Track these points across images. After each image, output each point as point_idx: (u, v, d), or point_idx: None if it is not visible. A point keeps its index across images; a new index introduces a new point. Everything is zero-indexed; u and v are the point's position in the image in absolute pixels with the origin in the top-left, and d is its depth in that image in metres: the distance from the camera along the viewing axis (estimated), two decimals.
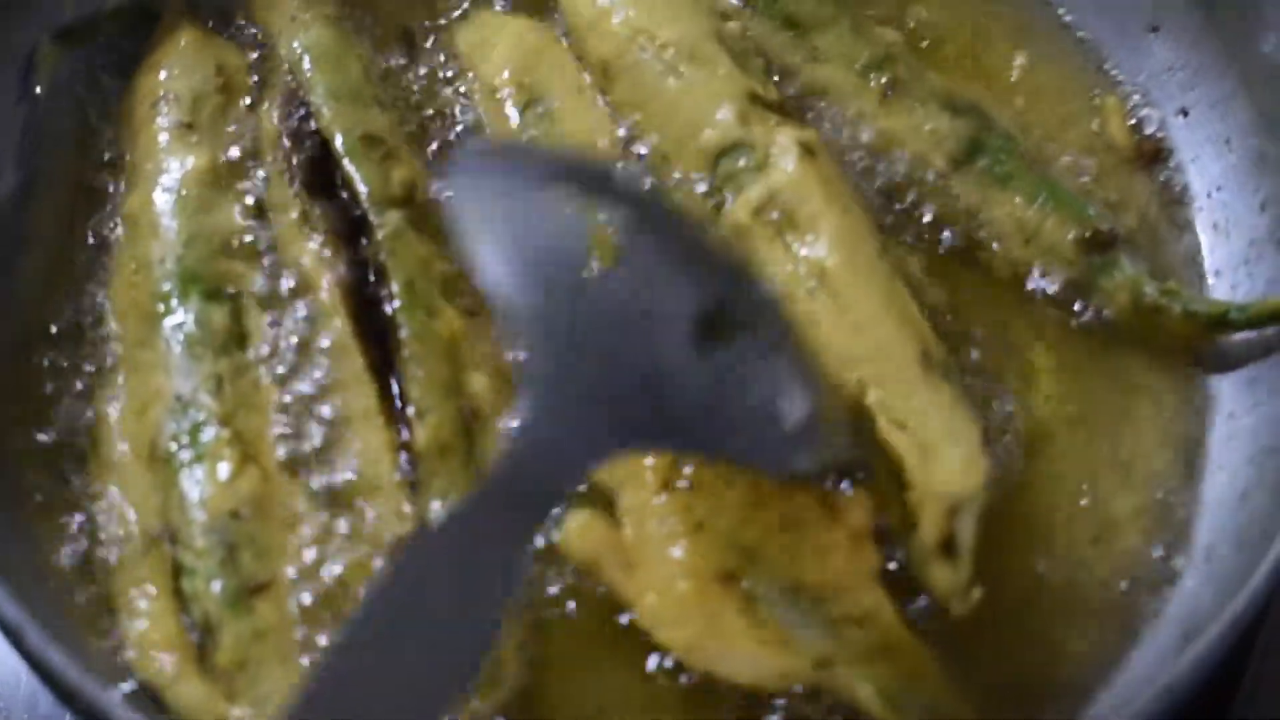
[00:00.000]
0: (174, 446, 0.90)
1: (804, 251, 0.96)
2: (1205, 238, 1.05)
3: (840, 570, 0.87)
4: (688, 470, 0.89)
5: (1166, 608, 0.92)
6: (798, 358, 0.90)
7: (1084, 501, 0.96)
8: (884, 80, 1.05)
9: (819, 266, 0.95)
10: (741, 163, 0.99)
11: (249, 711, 0.84)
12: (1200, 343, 0.99)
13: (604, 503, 0.90)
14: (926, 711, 0.84)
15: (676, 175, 1.01)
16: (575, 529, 0.89)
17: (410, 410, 0.91)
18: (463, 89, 1.06)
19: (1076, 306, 1.01)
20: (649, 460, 0.89)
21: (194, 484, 0.89)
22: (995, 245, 1.01)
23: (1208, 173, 1.06)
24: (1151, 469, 0.97)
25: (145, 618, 0.87)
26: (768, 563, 0.87)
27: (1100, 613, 0.92)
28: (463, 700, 0.82)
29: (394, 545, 0.88)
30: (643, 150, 1.03)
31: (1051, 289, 1.01)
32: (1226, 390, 0.99)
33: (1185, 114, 1.08)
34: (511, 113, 1.04)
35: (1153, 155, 1.07)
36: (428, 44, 1.09)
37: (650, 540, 0.88)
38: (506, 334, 0.90)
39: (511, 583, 0.74)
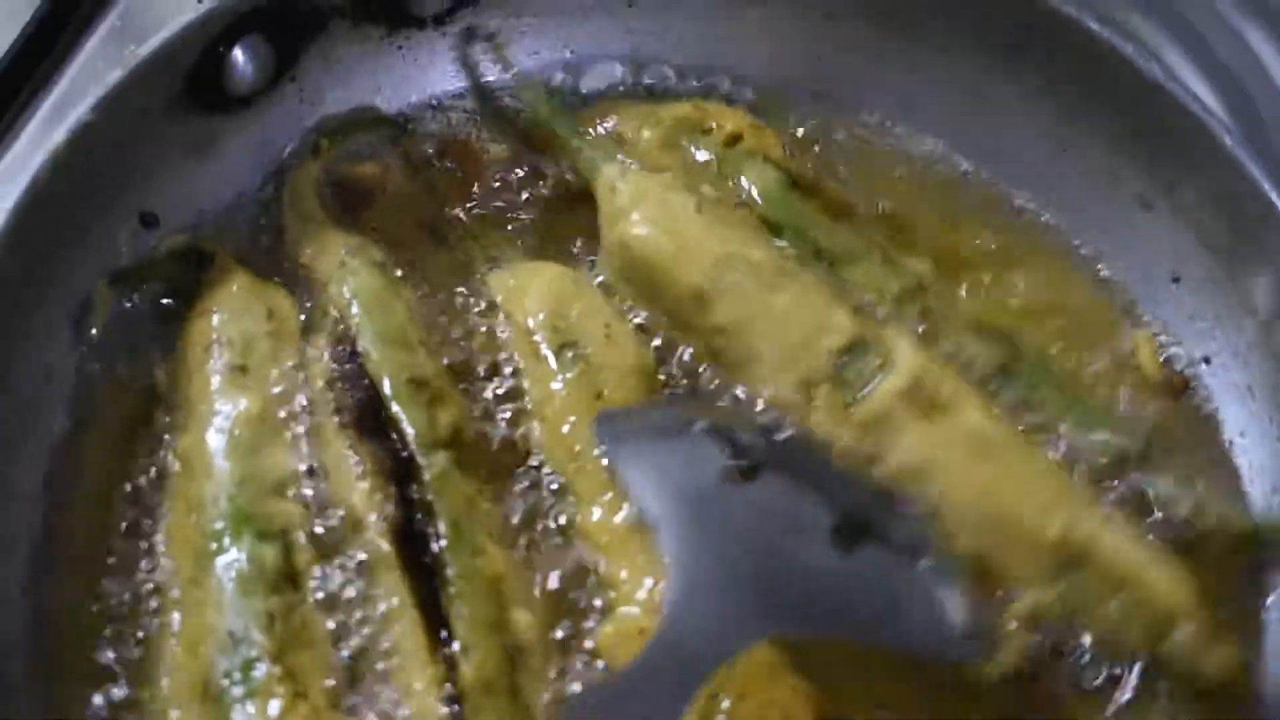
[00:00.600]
0: (226, 683, 0.91)
1: (957, 423, 1.01)
2: (1239, 463, 1.08)
3: None
4: (721, 703, 0.91)
5: None
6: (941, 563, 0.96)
7: None
8: (917, 312, 1.08)
9: (980, 433, 1.00)
10: (869, 358, 1.03)
11: None
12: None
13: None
14: None
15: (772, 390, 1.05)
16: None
17: (456, 647, 0.92)
18: (501, 333, 1.08)
19: None
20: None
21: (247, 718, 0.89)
22: None
23: (1233, 418, 1.09)
24: None
25: None
26: None
27: None
28: None
29: None
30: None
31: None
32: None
33: (1208, 361, 1.11)
34: (547, 354, 1.05)
35: (1182, 388, 1.11)
36: (464, 292, 1.11)
37: None
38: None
39: None
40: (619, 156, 1.14)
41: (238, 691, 0.90)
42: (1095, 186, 1.16)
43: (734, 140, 1.17)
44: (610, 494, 1.00)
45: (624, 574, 0.97)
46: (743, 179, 1.15)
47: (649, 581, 0.96)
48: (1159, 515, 1.03)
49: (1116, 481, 1.04)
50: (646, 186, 1.11)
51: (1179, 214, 1.12)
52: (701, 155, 1.17)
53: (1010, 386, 1.06)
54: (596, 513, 0.99)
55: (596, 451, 1.01)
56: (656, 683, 0.83)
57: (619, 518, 0.99)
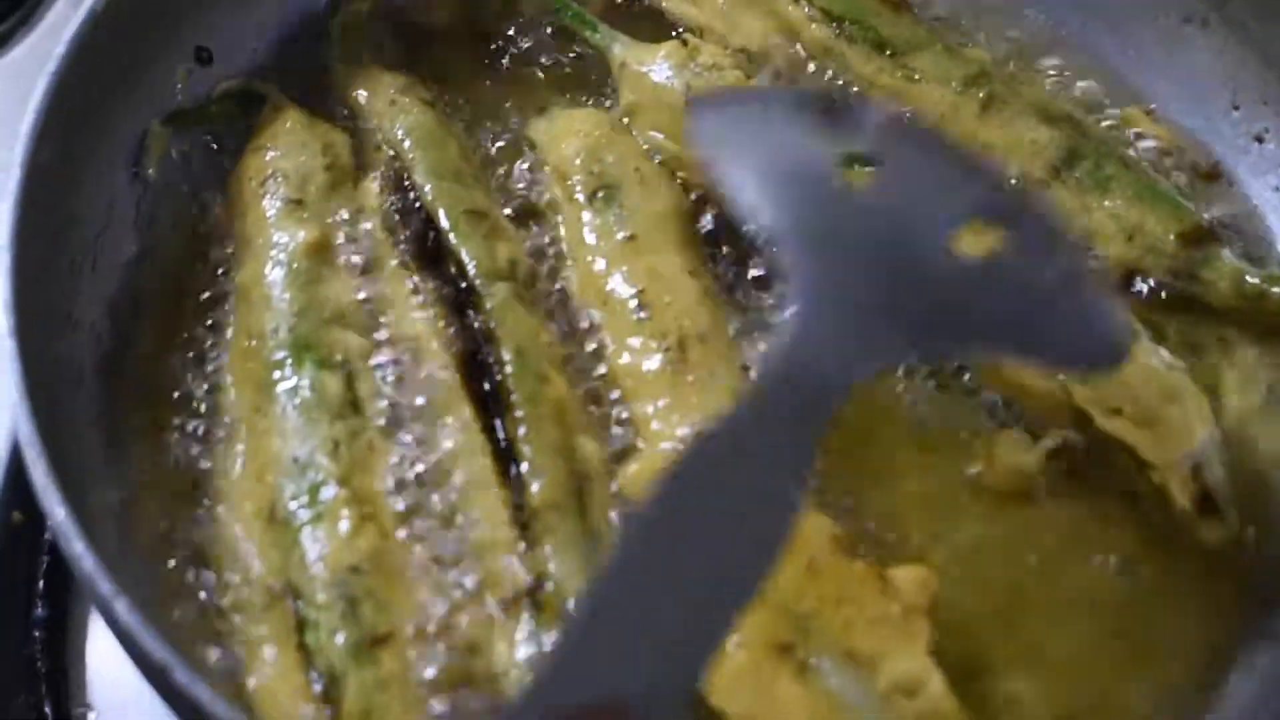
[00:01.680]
0: (293, 507, 0.92)
1: None
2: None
3: (893, 640, 0.88)
4: None
5: None
6: (1071, 258, 0.89)
7: None
8: (981, 96, 1.09)
9: None
10: None
11: None
12: None
13: None
14: None
15: None
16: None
17: (524, 469, 0.93)
18: (540, 178, 1.10)
19: None
20: None
21: (314, 542, 0.90)
22: (1098, 247, 1.05)
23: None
24: None
25: (270, 670, 0.88)
26: (822, 633, 0.87)
27: None
28: None
29: (509, 599, 0.88)
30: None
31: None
32: None
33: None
34: (581, 197, 1.06)
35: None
36: (507, 136, 1.12)
37: None
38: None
39: (796, 490, 0.74)
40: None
41: (305, 515, 0.91)
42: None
43: None
44: (640, 337, 1.00)
45: (652, 417, 0.97)
46: None
47: (676, 422, 0.96)
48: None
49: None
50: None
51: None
52: None
53: (1078, 166, 1.07)
54: (626, 356, 0.99)
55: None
56: (785, 410, 0.75)
57: (648, 362, 0.99)
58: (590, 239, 1.05)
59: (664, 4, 1.20)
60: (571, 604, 0.88)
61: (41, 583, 1.06)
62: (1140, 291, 1.05)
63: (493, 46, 1.19)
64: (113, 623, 0.81)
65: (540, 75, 1.18)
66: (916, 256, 0.85)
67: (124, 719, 1.04)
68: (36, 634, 1.04)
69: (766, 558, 0.71)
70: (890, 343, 0.82)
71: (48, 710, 1.03)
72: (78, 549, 0.81)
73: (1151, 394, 0.94)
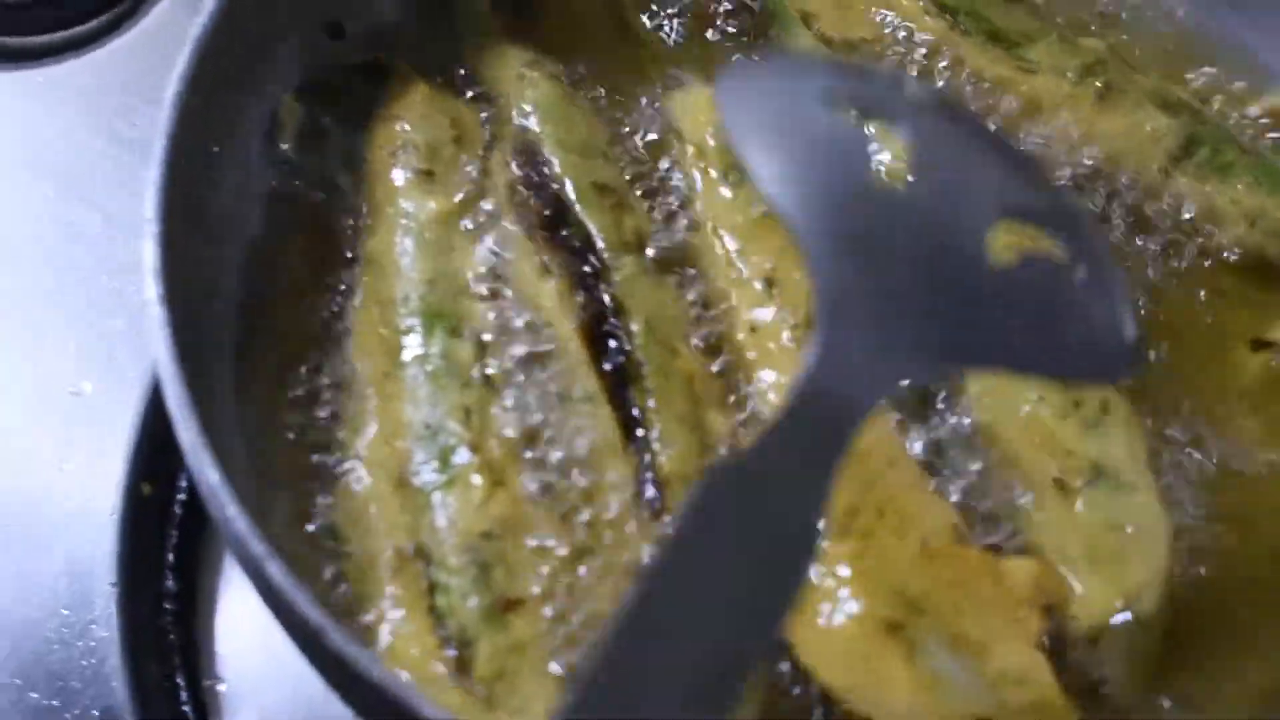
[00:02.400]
0: (424, 472, 0.94)
1: None
2: None
3: (1003, 629, 0.88)
4: (863, 520, 0.91)
5: None
6: (1104, 270, 0.87)
7: None
8: (1098, 85, 1.10)
9: None
10: None
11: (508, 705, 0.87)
12: None
13: None
14: None
15: None
16: None
17: (655, 438, 0.95)
18: (672, 153, 1.11)
19: None
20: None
21: (445, 507, 0.92)
22: (1217, 234, 1.06)
23: None
24: None
25: (402, 633, 0.90)
26: (933, 615, 0.88)
27: None
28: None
29: (640, 568, 0.90)
30: None
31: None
32: None
33: None
34: (715, 174, 1.08)
35: None
36: (641, 110, 1.13)
37: (820, 583, 0.90)
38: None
39: (817, 516, 0.71)
40: None
41: (437, 480, 0.93)
42: None
43: None
44: (768, 312, 1.01)
45: (778, 391, 0.98)
46: None
47: None
48: None
49: None
50: None
51: None
52: None
53: (1197, 153, 1.08)
54: (753, 331, 1.01)
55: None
56: (805, 439, 0.73)
57: (776, 338, 1.00)
58: (722, 214, 1.06)
59: None
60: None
61: (171, 555, 1.09)
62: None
63: (627, 21, 1.20)
64: (264, 586, 0.82)
65: (676, 51, 1.19)
66: (948, 261, 0.83)
67: (255, 691, 1.06)
68: (167, 606, 1.07)
69: (785, 591, 0.70)
70: (915, 357, 0.80)
71: (180, 681, 1.06)
72: (230, 511, 0.82)
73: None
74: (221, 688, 1.06)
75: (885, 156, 0.92)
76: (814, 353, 0.77)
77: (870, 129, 0.90)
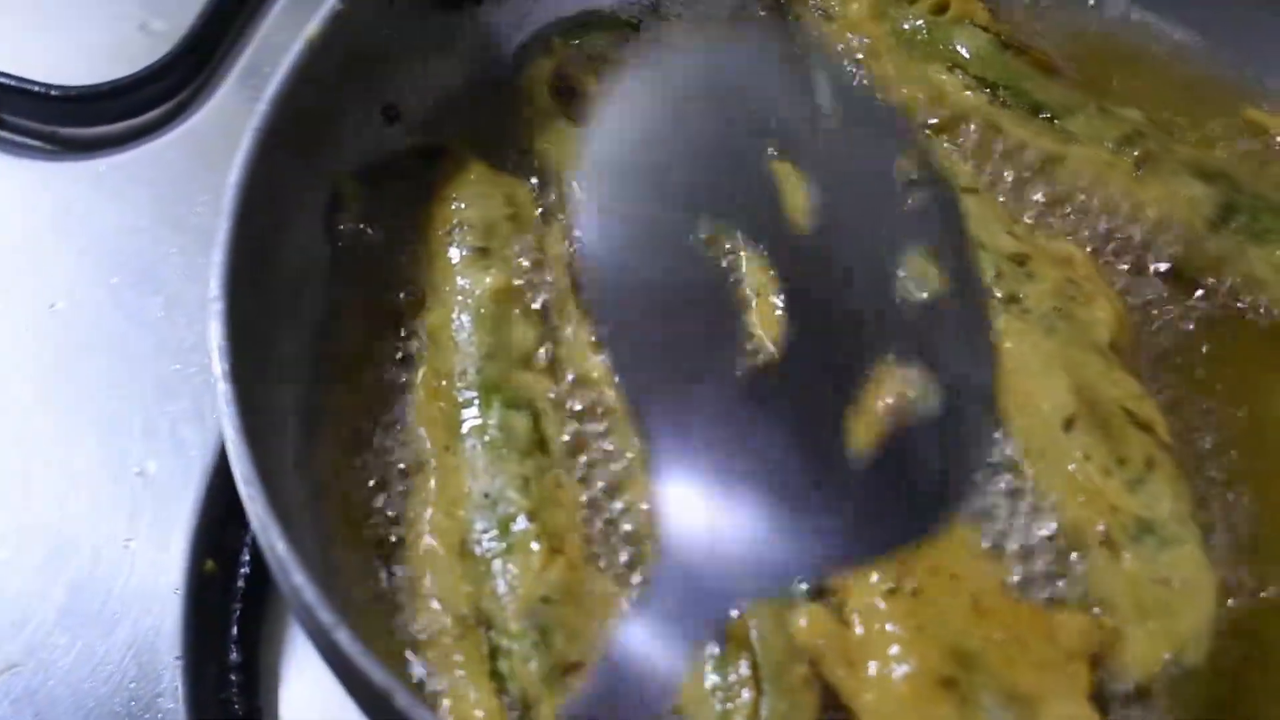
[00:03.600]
0: (484, 540, 0.97)
1: None
2: None
3: (1054, 682, 0.90)
4: (913, 579, 0.93)
5: None
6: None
7: None
8: (1136, 154, 1.12)
9: None
10: None
11: None
12: None
13: (834, 601, 0.93)
14: None
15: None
16: (806, 621, 0.92)
17: None
18: None
19: None
20: (875, 567, 0.93)
21: (506, 574, 0.95)
22: (1259, 298, 1.07)
23: None
24: None
25: (466, 697, 0.92)
26: (986, 670, 0.89)
27: None
28: None
29: None
30: None
31: None
32: None
33: None
34: None
35: None
36: None
37: (874, 640, 0.91)
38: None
39: None
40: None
41: (496, 547, 0.96)
42: None
43: (941, 9, 1.23)
44: None
45: None
46: (954, 43, 1.19)
47: None
48: None
49: None
50: None
51: None
52: (909, 24, 1.22)
53: (1234, 219, 1.09)
54: None
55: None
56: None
57: None
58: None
59: None
60: None
61: (235, 629, 1.11)
62: None
63: None
64: (332, 653, 0.84)
65: None
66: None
67: None
68: (232, 678, 1.09)
69: None
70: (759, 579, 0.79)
71: None
72: (298, 580, 0.84)
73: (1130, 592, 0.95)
74: None
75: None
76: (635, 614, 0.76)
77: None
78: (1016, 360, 1.01)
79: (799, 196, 0.89)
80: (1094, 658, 0.92)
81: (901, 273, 0.78)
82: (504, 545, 0.95)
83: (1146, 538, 0.94)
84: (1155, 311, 1.07)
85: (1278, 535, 0.98)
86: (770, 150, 0.89)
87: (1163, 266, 1.09)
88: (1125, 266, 1.09)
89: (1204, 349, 1.06)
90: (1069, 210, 1.12)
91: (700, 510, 0.72)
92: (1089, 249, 1.10)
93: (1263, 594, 0.96)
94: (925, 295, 0.74)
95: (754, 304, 0.76)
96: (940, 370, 0.77)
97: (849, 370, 0.75)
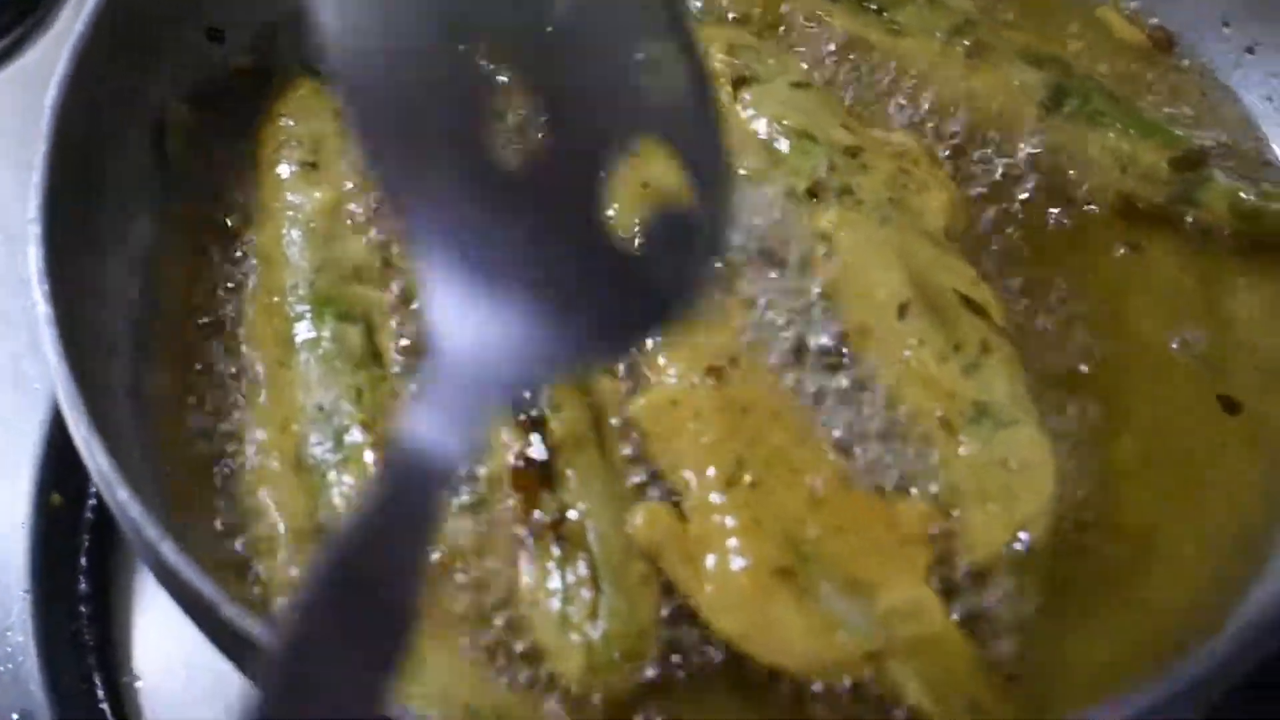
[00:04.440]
0: (319, 452, 0.96)
1: None
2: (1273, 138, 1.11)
3: (892, 568, 0.90)
4: (750, 471, 0.92)
5: None
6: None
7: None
8: (967, 44, 1.12)
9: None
10: None
11: (415, 689, 0.88)
12: None
13: (670, 497, 0.94)
14: (970, 707, 0.87)
15: None
16: (643, 519, 0.92)
17: (543, 405, 0.96)
18: None
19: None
20: (713, 460, 0.93)
21: (341, 485, 0.94)
22: (1090, 181, 1.08)
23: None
24: None
25: None
26: (823, 559, 0.90)
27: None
28: None
29: (536, 530, 0.92)
30: None
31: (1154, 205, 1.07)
32: None
33: None
34: None
35: (1165, 43, 1.15)
36: None
37: (711, 534, 0.91)
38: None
39: (411, 594, 0.67)
40: None
41: (332, 459, 0.95)
42: None
43: None
44: None
45: (659, 353, 0.99)
46: None
47: (683, 356, 0.98)
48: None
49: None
50: None
51: None
52: None
53: (1066, 103, 1.10)
54: None
55: None
56: (396, 504, 0.67)
57: None
58: None
59: None
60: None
61: (84, 560, 1.10)
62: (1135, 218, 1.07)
63: None
64: (159, 566, 0.83)
65: None
66: (566, 245, 0.74)
67: (171, 685, 1.08)
68: (82, 609, 1.09)
69: (383, 672, 0.65)
70: (521, 377, 0.72)
71: (97, 681, 1.08)
72: (122, 496, 0.84)
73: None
74: (139, 684, 1.07)
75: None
76: (408, 409, 0.70)
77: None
78: (851, 251, 1.01)
79: None
80: (934, 542, 0.92)
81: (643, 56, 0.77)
82: (339, 457, 0.95)
83: (983, 421, 0.94)
84: (990, 198, 1.07)
85: (1117, 416, 0.98)
86: None
87: (996, 153, 1.08)
88: (959, 155, 1.09)
89: (1039, 233, 1.06)
90: (902, 101, 1.11)
91: (466, 311, 0.70)
92: (923, 139, 1.09)
93: (1102, 474, 0.96)
94: (679, 81, 0.73)
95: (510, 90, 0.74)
96: (688, 154, 0.76)
97: (607, 159, 0.74)
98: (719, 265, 0.79)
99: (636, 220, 0.74)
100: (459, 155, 0.74)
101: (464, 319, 0.70)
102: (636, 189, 0.79)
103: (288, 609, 0.65)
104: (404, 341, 1.00)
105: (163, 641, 1.08)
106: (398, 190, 0.72)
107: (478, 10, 0.76)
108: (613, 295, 0.74)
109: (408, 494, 0.67)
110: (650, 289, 0.74)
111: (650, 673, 0.89)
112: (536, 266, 0.72)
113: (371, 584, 0.66)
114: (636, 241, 0.73)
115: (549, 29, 0.76)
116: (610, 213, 0.72)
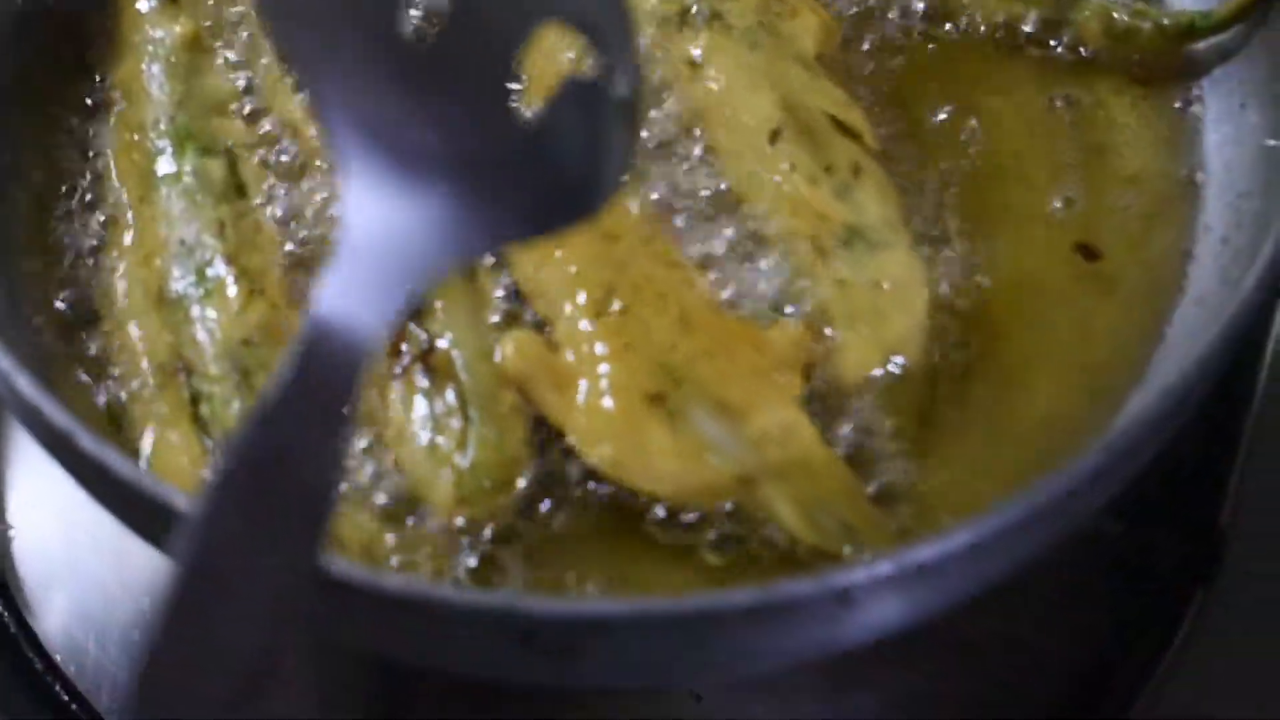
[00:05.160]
0: (182, 287, 0.94)
1: None
2: None
3: (764, 391, 0.90)
4: (619, 298, 0.92)
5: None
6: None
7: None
8: None
9: None
10: None
11: None
12: (1173, 60, 1.04)
13: (540, 325, 0.93)
14: (845, 529, 0.87)
15: None
16: (512, 348, 0.91)
17: None
18: None
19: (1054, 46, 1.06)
20: (582, 287, 0.92)
21: (205, 319, 0.93)
22: (967, 5, 1.06)
23: None
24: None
25: (169, 442, 0.91)
26: (693, 384, 0.89)
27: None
28: None
29: (404, 361, 0.91)
30: None
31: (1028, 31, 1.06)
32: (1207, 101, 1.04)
33: None
34: None
35: None
36: None
37: (582, 362, 0.90)
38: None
39: (333, 472, 0.68)
40: None
41: (194, 293, 0.94)
42: None
43: None
44: None
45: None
46: None
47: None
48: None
49: None
50: None
51: None
52: None
53: None
54: None
55: None
56: (315, 379, 0.67)
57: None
58: None
59: None
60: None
61: None
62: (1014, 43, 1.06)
63: None
64: (16, 399, 0.82)
65: None
66: (478, 119, 0.75)
67: (43, 536, 1.07)
68: None
69: (310, 550, 0.65)
70: (435, 258, 0.73)
71: None
72: None
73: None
74: (11, 532, 1.05)
75: None
76: (322, 282, 0.70)
77: None
78: (720, 78, 0.99)
79: None
80: (808, 366, 0.91)
81: None
82: (202, 291, 0.93)
83: (856, 243, 0.94)
84: (864, 23, 1.06)
85: (990, 244, 0.98)
86: None
87: None
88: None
89: (913, 56, 1.05)
90: None
91: (382, 191, 0.69)
92: None
93: (982, 294, 0.96)
94: None
95: None
96: (595, 29, 0.75)
97: (515, 36, 0.73)
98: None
99: (547, 98, 0.73)
100: (370, 35, 0.74)
101: (379, 198, 0.72)
102: (546, 67, 0.76)
103: (205, 486, 0.65)
104: (266, 184, 0.98)
105: (35, 495, 1.06)
106: (310, 71, 0.73)
107: None
108: (529, 176, 0.75)
109: (323, 369, 0.67)
110: (565, 170, 0.75)
111: (523, 503, 0.88)
112: (451, 146, 0.73)
113: (290, 461, 0.66)
114: (549, 121, 0.74)
115: None
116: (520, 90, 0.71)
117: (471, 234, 0.73)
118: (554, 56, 0.86)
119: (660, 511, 0.88)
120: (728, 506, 0.87)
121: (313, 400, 0.67)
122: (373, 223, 0.70)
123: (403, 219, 0.70)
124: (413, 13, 0.93)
